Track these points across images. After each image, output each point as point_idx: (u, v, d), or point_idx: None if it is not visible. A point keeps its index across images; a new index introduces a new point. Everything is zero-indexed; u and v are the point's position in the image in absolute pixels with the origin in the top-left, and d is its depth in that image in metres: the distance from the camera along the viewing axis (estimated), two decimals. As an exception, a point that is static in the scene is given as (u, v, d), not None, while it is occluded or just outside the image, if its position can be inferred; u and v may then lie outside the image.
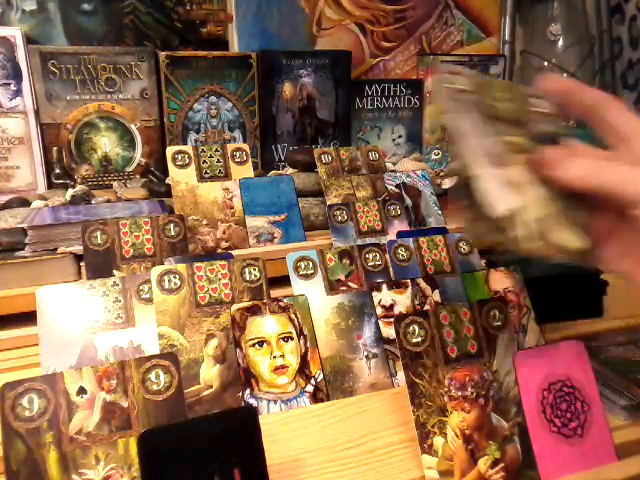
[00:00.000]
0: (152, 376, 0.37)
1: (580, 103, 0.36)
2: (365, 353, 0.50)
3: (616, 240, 0.35)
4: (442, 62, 1.16)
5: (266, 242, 0.68)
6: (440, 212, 0.74)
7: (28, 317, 0.50)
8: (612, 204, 0.32)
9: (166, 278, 0.47)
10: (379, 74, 1.17)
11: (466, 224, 0.36)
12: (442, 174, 0.98)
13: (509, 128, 0.36)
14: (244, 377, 0.45)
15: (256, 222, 0.68)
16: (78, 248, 0.59)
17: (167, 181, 0.84)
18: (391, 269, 0.56)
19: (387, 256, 0.57)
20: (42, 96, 0.87)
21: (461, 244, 0.59)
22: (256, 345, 0.46)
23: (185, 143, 0.95)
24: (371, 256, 0.56)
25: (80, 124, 0.90)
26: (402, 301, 0.52)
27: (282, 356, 0.46)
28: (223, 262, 0.49)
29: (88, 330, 0.46)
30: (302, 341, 0.48)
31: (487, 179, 0.33)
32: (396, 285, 0.53)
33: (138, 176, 0.94)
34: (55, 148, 0.89)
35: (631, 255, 0.34)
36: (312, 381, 0.47)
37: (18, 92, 0.85)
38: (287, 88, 1.00)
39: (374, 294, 0.52)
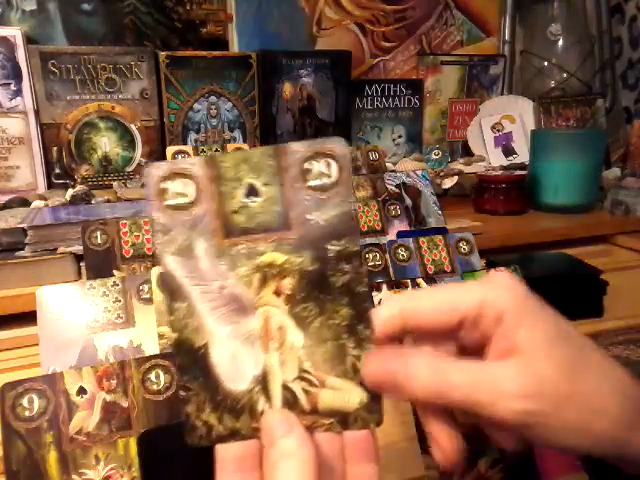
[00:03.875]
0: (152, 376, 0.37)
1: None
2: (365, 353, 0.50)
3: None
4: (442, 62, 1.17)
5: (266, 242, 0.68)
6: (440, 212, 0.74)
7: (28, 317, 0.50)
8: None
9: (166, 278, 0.47)
10: (379, 74, 1.17)
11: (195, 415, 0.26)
12: (442, 174, 0.98)
13: (264, 239, 0.26)
14: (244, 377, 0.44)
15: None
16: (78, 248, 0.59)
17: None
18: (391, 269, 0.56)
19: (387, 256, 0.57)
20: (42, 96, 0.87)
21: (461, 244, 0.59)
22: (256, 345, 0.45)
23: (185, 143, 0.95)
24: (371, 256, 0.56)
25: (80, 124, 0.90)
26: (402, 301, 0.52)
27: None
28: (223, 262, 0.49)
29: (88, 330, 0.46)
30: (302, 341, 0.47)
31: (219, 345, 0.26)
32: (396, 285, 0.52)
33: (138, 176, 0.94)
34: (55, 148, 0.89)
35: None
36: (312, 381, 0.47)
37: (18, 92, 0.85)
38: (287, 88, 1.00)
39: (374, 294, 0.52)
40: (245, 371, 0.26)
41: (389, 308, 0.27)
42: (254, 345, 0.26)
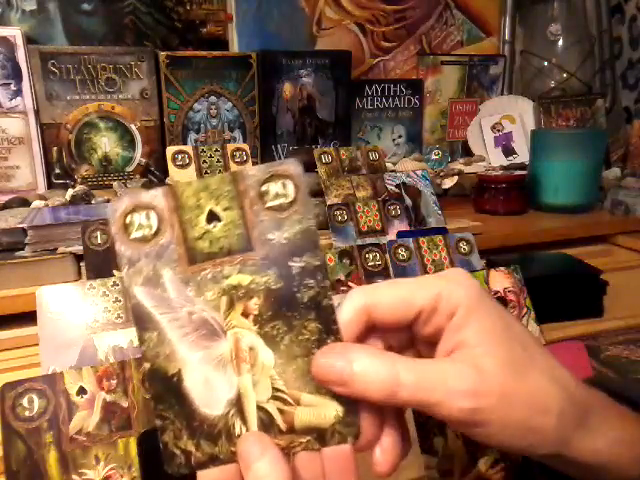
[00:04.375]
0: (152, 376, 0.37)
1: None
2: (365, 353, 0.50)
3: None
4: (442, 62, 1.16)
5: (266, 242, 0.68)
6: (440, 212, 0.74)
7: (28, 317, 0.50)
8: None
9: (166, 278, 0.47)
10: (379, 74, 1.17)
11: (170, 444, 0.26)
12: (442, 174, 0.98)
13: (228, 263, 0.26)
14: (244, 377, 0.44)
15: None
16: (78, 248, 0.59)
17: (167, 181, 0.84)
18: (391, 269, 0.56)
19: (387, 256, 0.57)
20: (42, 96, 0.87)
21: (461, 244, 0.59)
22: (256, 345, 0.45)
23: (185, 143, 0.95)
24: (371, 256, 0.56)
25: (80, 124, 0.90)
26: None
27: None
28: (223, 262, 0.49)
29: (88, 330, 0.46)
30: (302, 341, 0.47)
31: (191, 371, 0.26)
32: (396, 285, 0.52)
33: (138, 176, 0.94)
34: (55, 148, 0.89)
35: None
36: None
37: (18, 92, 0.85)
38: (287, 88, 1.00)
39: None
40: (219, 395, 0.26)
41: (351, 307, 0.26)
42: (226, 368, 0.26)
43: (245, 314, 0.26)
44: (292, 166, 0.26)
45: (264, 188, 0.26)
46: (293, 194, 0.26)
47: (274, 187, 0.26)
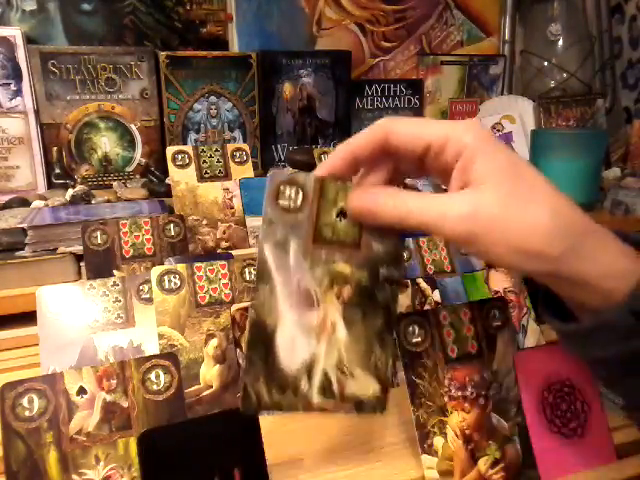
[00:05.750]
0: (152, 376, 0.37)
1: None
2: (365, 353, 0.50)
3: None
4: (442, 62, 1.16)
5: (266, 242, 0.68)
6: (440, 212, 0.74)
7: (28, 317, 0.50)
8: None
9: (166, 278, 0.47)
10: (379, 74, 1.17)
11: (248, 387, 0.31)
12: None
13: (339, 252, 0.33)
14: (244, 377, 0.45)
15: (256, 222, 0.68)
16: (78, 248, 0.59)
17: (167, 181, 0.84)
18: (391, 269, 0.57)
19: (387, 256, 0.57)
20: (42, 96, 0.87)
21: (461, 244, 0.59)
22: (256, 345, 0.46)
23: (185, 143, 0.95)
24: (371, 256, 0.56)
25: (80, 124, 0.90)
26: (402, 301, 0.52)
27: (282, 356, 0.46)
28: (223, 262, 0.49)
29: (88, 330, 0.46)
30: (302, 341, 0.48)
31: (285, 327, 0.32)
32: (396, 285, 0.52)
33: (138, 176, 0.94)
34: (55, 148, 0.89)
35: None
36: (312, 381, 0.47)
37: (18, 92, 0.85)
38: (287, 88, 1.00)
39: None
40: (298, 355, 0.31)
41: (374, 127, 0.32)
42: (310, 334, 0.32)
43: (337, 296, 0.32)
44: None
45: None
46: None
47: None
